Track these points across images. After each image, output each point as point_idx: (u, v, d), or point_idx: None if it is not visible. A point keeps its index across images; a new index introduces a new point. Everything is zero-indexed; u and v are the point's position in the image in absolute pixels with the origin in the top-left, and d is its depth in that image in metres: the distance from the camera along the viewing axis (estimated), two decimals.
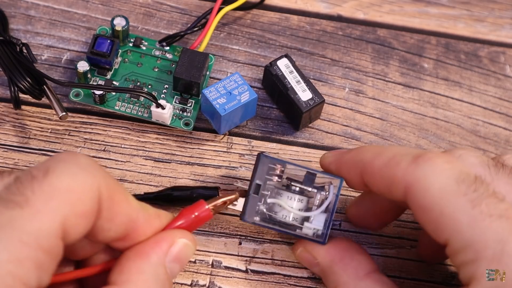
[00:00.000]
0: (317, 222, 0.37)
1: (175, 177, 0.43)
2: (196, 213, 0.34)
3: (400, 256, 0.42)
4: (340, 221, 0.42)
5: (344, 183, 0.37)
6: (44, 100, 0.43)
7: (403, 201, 0.33)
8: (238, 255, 0.41)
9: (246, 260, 0.41)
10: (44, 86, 0.42)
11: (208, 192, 0.41)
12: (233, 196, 0.37)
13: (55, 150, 0.43)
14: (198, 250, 0.40)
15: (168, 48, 0.46)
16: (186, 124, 0.44)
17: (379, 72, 0.48)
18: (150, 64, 0.46)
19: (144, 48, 0.46)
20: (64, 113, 0.42)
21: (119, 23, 0.45)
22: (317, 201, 0.37)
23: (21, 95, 0.42)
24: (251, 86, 0.43)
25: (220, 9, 0.47)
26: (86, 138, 0.43)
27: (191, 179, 0.43)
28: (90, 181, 0.29)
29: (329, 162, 0.38)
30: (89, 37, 0.47)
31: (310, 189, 0.37)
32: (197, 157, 0.43)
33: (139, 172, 0.43)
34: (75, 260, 0.34)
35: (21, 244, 0.27)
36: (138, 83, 0.45)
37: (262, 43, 0.48)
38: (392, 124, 0.46)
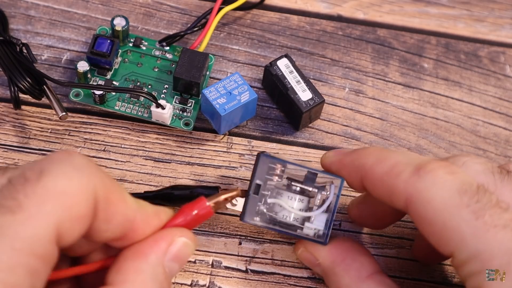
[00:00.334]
0: (318, 222, 0.36)
1: (175, 177, 0.43)
2: (196, 211, 0.34)
3: (400, 256, 0.42)
4: (340, 221, 0.42)
5: (345, 183, 0.37)
6: (44, 100, 0.43)
7: (404, 211, 0.33)
8: (238, 255, 0.41)
9: (246, 260, 0.41)
10: (44, 86, 0.42)
11: (208, 192, 0.40)
12: (234, 193, 0.36)
13: (55, 150, 0.43)
14: (198, 250, 0.40)
15: (168, 48, 0.46)
16: (186, 124, 0.44)
17: (379, 72, 0.48)
18: (150, 64, 0.46)
19: (144, 48, 0.46)
20: (64, 113, 0.42)
21: (119, 23, 0.45)
22: (318, 201, 0.37)
23: (21, 95, 0.42)
24: (251, 86, 0.43)
25: (220, 9, 0.47)
26: (86, 138, 0.43)
27: (191, 179, 0.43)
28: (86, 182, 0.28)
29: (330, 162, 0.37)
30: (89, 37, 0.47)
31: (311, 189, 0.37)
32: (197, 157, 0.43)
33: (139, 172, 0.43)
34: (71, 256, 0.33)
35: (13, 251, 0.26)
36: (138, 83, 0.45)
37: (262, 43, 0.48)
38: (392, 124, 0.46)
